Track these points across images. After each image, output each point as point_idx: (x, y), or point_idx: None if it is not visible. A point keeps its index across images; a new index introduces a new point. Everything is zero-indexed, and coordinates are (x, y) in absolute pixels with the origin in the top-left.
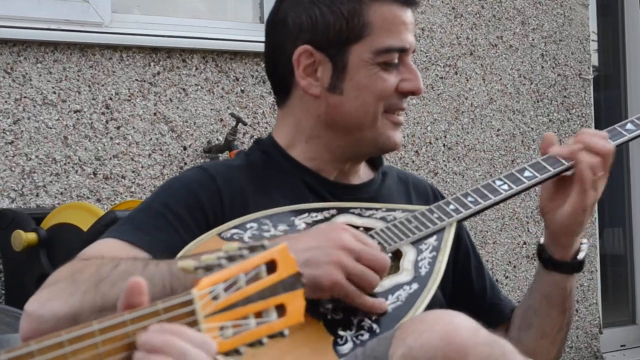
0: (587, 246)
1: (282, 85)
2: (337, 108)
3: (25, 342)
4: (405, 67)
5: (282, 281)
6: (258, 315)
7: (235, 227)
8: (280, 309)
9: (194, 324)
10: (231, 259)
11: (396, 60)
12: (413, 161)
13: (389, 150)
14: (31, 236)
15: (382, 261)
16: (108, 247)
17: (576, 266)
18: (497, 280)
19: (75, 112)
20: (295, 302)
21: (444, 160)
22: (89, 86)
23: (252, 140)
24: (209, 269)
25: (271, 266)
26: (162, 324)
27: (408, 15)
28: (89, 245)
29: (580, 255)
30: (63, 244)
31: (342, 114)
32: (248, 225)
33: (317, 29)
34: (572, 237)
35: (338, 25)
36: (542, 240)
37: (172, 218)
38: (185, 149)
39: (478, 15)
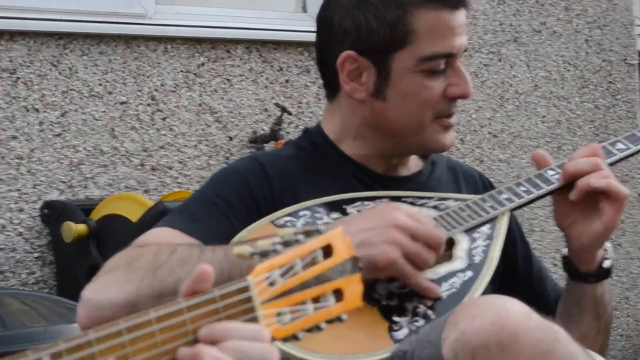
0: (612, 250)
1: (331, 81)
2: (382, 114)
3: (82, 329)
4: (453, 70)
5: (338, 265)
6: (315, 300)
7: (288, 214)
8: (338, 294)
9: (250, 310)
10: (287, 244)
11: (442, 67)
12: (458, 149)
13: (438, 152)
14: (81, 227)
15: (437, 238)
16: (162, 235)
17: (603, 275)
18: None
19: (122, 103)
20: (353, 286)
21: (489, 148)
22: (135, 78)
23: (297, 130)
24: (264, 254)
25: (327, 251)
26: (211, 326)
27: (457, 18)
28: (144, 234)
29: (606, 264)
30: (112, 235)
31: (386, 120)
32: (301, 213)
33: (360, 34)
34: (595, 252)
35: (382, 32)
36: (565, 252)
37: (223, 206)
38: (230, 139)
39: (521, 2)
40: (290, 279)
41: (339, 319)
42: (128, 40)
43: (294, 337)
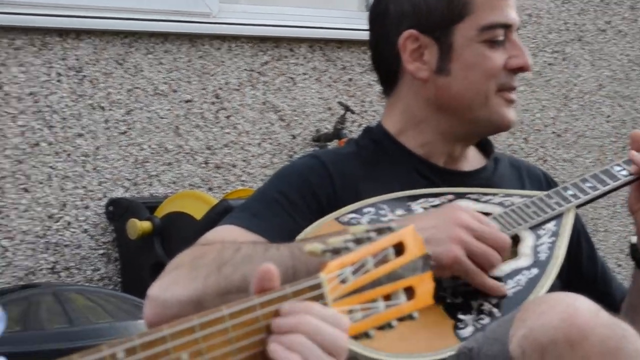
0: None
1: (389, 74)
2: (447, 90)
3: (149, 327)
4: (511, 43)
5: (410, 263)
6: (387, 298)
7: (352, 211)
8: (409, 292)
9: None
10: (358, 241)
11: (501, 37)
12: (522, 148)
13: (503, 129)
14: (146, 225)
15: (501, 240)
16: (226, 233)
17: None
18: None
19: (186, 102)
20: (424, 284)
21: (553, 148)
22: (199, 76)
23: (360, 129)
24: (336, 252)
25: (399, 248)
26: (292, 302)
27: None
28: (208, 232)
29: None
30: (177, 232)
31: (452, 96)
32: (365, 210)
33: (419, 12)
34: None
35: (440, 6)
36: (633, 240)
37: (286, 204)
38: (294, 137)
39: (586, 0)
40: (362, 276)
41: (410, 317)
42: (193, 38)
43: (365, 335)
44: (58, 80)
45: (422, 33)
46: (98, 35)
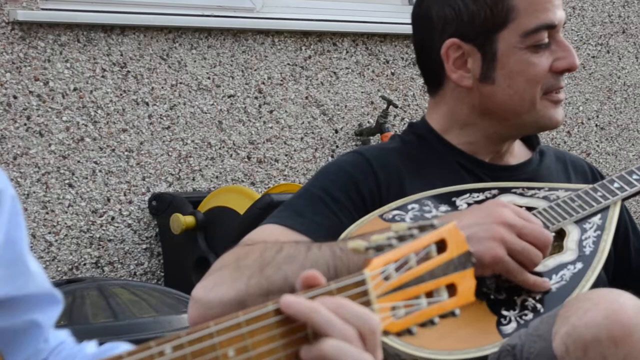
0: None
1: (434, 76)
2: (491, 97)
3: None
4: (556, 44)
5: (452, 260)
6: (429, 295)
7: (396, 208)
8: (451, 289)
9: (366, 304)
10: (401, 238)
11: (546, 40)
12: (565, 142)
13: (550, 129)
14: (189, 219)
15: (544, 237)
16: (269, 232)
17: None
18: None
19: (229, 97)
20: (466, 281)
21: (597, 141)
22: (242, 71)
23: (402, 123)
24: (379, 249)
25: (441, 245)
26: (324, 298)
27: None
28: (251, 232)
29: None
30: (220, 227)
31: (496, 103)
32: (409, 207)
33: (461, 20)
34: None
35: (482, 14)
36: None
37: (330, 202)
38: (336, 132)
39: None
40: (405, 273)
41: (452, 314)
42: (236, 33)
43: (408, 332)
44: (102, 76)
45: (464, 41)
46: (142, 30)
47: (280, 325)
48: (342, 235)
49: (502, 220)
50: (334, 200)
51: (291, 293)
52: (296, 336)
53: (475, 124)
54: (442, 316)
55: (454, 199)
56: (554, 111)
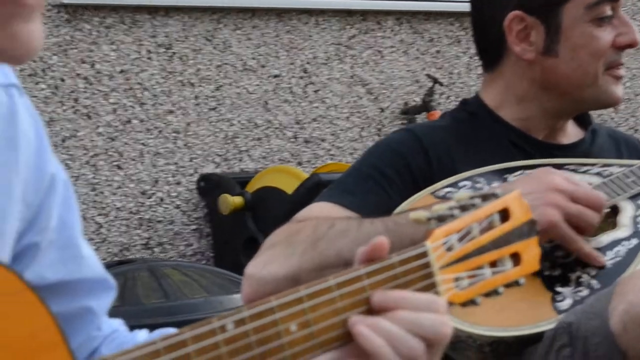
0: None
1: (493, 52)
2: (554, 71)
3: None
4: (618, 20)
5: (516, 229)
6: (493, 264)
7: (448, 185)
8: (515, 258)
9: (429, 276)
10: (463, 208)
11: (609, 12)
12: (612, 118)
13: (611, 106)
14: (237, 200)
15: (597, 199)
16: (320, 209)
17: None
18: None
19: (275, 77)
20: (530, 250)
21: None
22: (287, 51)
23: (448, 101)
24: (441, 219)
25: (504, 214)
26: (385, 292)
27: None
28: (302, 209)
29: None
30: (268, 207)
31: (559, 76)
32: (461, 184)
33: None
34: None
35: None
36: None
37: (380, 179)
38: (382, 110)
39: None
40: (468, 243)
41: (516, 283)
42: (280, 13)
43: (472, 302)
44: (148, 58)
45: (528, 14)
46: (187, 12)
47: (342, 299)
48: (396, 212)
49: (554, 186)
50: (384, 178)
51: (345, 267)
52: (357, 310)
53: (533, 99)
54: (507, 285)
55: (505, 175)
56: (614, 87)
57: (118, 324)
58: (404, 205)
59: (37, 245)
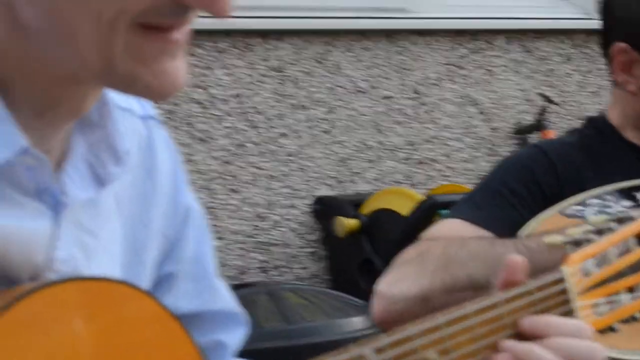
0: None
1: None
2: None
3: (377, 322)
4: None
5: None
6: (630, 289)
7: (576, 203)
8: None
9: (566, 302)
10: (600, 232)
11: None
12: None
13: None
14: (352, 222)
15: None
16: (450, 226)
17: None
18: None
19: (386, 98)
20: None
21: None
22: (398, 72)
23: (560, 119)
24: (577, 243)
25: None
26: (533, 317)
27: None
28: (432, 226)
29: None
30: (383, 229)
31: None
32: (589, 202)
33: (631, 25)
34: None
35: None
36: None
37: (509, 195)
38: (494, 130)
39: None
40: (605, 268)
41: None
42: (390, 34)
43: (610, 329)
44: (261, 81)
45: (633, 48)
46: (298, 35)
47: (480, 326)
48: (523, 231)
49: None
50: (513, 194)
51: (475, 288)
52: (495, 337)
53: None
54: None
55: (635, 193)
56: None
57: None
58: (533, 224)
59: (173, 275)
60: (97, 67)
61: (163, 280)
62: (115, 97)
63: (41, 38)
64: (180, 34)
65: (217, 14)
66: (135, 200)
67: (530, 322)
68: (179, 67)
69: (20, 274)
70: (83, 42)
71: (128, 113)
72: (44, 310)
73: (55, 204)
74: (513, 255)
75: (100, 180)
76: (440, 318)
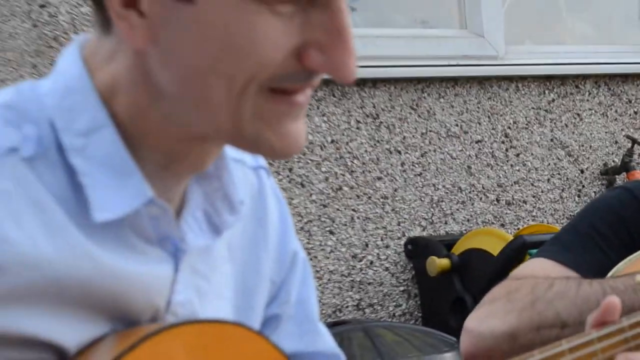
0: None
1: None
2: None
3: (465, 357)
4: None
5: None
6: None
7: None
8: None
9: None
10: None
11: None
12: None
13: None
14: (444, 262)
15: None
16: (538, 266)
17: None
18: None
19: (477, 142)
20: None
21: None
22: (489, 117)
23: None
24: None
25: None
26: (627, 354)
27: None
28: (521, 265)
29: None
30: (474, 268)
31: None
32: None
33: None
34: None
35: None
36: None
37: (598, 238)
38: (582, 172)
39: None
40: None
41: None
42: (481, 81)
43: None
44: (357, 128)
45: None
46: (393, 82)
47: None
48: (611, 272)
49: None
50: (601, 237)
51: (562, 328)
52: None
53: None
54: None
55: None
56: None
57: None
58: (620, 266)
59: (278, 317)
60: (227, 129)
61: (268, 321)
62: (229, 149)
63: (176, 101)
64: (304, 97)
65: (344, 80)
66: (247, 248)
67: (625, 359)
68: (300, 128)
69: (140, 316)
70: (216, 106)
71: (240, 164)
72: (166, 351)
73: (175, 251)
74: (611, 297)
75: (216, 228)
76: (536, 355)
